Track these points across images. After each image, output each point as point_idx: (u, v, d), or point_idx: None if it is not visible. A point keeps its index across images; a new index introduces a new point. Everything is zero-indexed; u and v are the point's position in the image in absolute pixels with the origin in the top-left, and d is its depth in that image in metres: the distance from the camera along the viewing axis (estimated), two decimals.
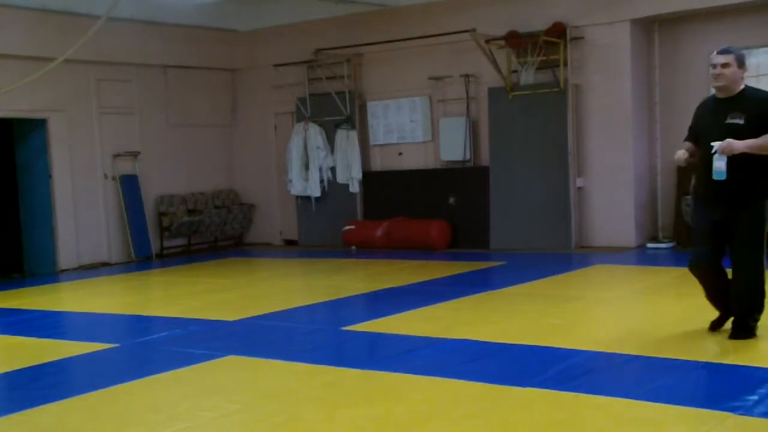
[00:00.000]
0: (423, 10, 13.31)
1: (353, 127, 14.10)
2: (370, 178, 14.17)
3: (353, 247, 13.78)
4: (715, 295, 6.31)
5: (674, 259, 10.66)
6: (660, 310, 7.68)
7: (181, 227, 14.28)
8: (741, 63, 6.06)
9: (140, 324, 8.58)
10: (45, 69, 11.49)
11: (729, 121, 5.96)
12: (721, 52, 6.09)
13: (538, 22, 12.23)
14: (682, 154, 6.27)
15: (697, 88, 11.03)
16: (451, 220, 13.31)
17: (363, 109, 14.22)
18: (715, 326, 6.37)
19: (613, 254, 11.58)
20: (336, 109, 14.10)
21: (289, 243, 15.23)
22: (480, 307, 8.29)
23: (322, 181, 14.30)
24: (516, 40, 12.34)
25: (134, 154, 13.90)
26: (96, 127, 13.50)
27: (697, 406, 4.77)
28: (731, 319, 6.27)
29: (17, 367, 6.71)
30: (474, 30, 12.25)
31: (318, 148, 14.19)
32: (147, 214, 14.00)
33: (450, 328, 7.22)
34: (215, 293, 10.10)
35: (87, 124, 13.38)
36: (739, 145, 5.83)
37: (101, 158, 13.53)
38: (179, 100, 14.63)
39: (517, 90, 12.53)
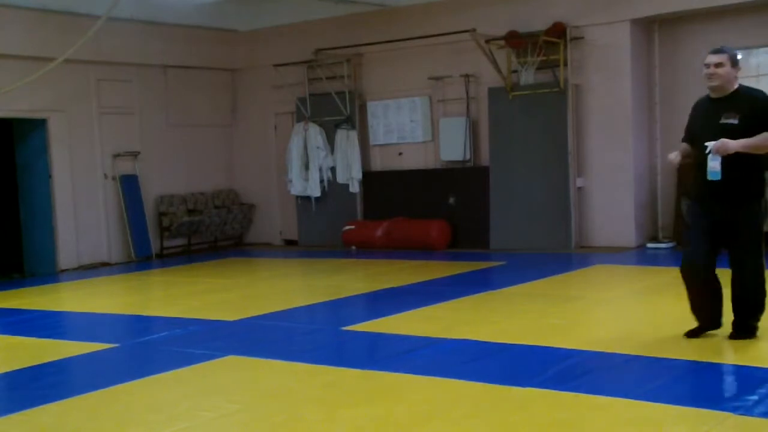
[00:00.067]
0: (423, 10, 13.31)
1: (353, 127, 14.10)
2: (370, 178, 14.17)
3: (353, 247, 13.78)
4: (702, 302, 6.17)
5: (674, 259, 10.64)
6: (660, 310, 7.68)
7: (181, 227, 14.28)
8: (734, 62, 6.03)
9: (140, 324, 8.58)
10: (45, 69, 11.49)
11: (723, 121, 5.94)
12: (714, 52, 6.06)
13: (538, 22, 12.23)
14: (674, 156, 6.28)
15: (697, 88, 10.91)
16: (451, 220, 13.31)
17: (363, 109, 14.22)
18: (692, 335, 6.25)
19: (613, 254, 11.58)
20: (336, 109, 14.10)
21: (289, 243, 15.23)
22: (480, 307, 8.29)
23: (322, 181, 14.30)
24: (516, 40, 12.34)
25: (134, 154, 13.90)
26: (96, 127, 13.50)
27: (697, 406, 4.77)
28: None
29: (17, 367, 6.71)
30: (474, 30, 12.25)
31: (318, 148, 14.19)
32: (147, 214, 14.00)
33: (450, 328, 7.22)
34: (215, 293, 10.10)
35: (87, 124, 13.38)
36: (734, 145, 5.80)
37: (101, 158, 13.53)
38: (179, 100, 14.63)
39: (517, 90, 12.53)
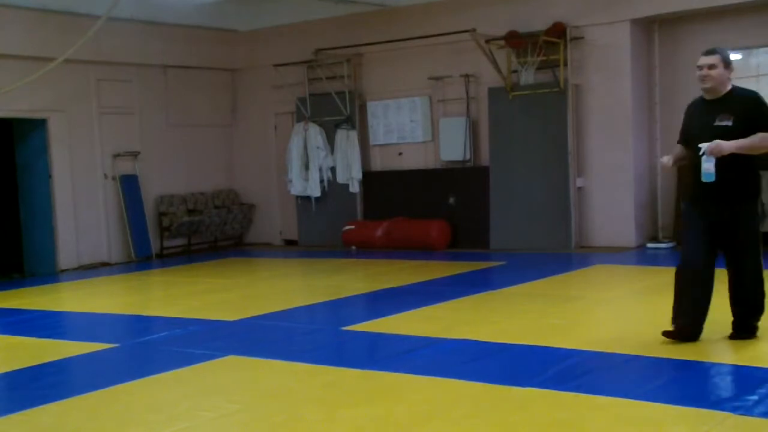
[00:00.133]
0: (423, 10, 13.31)
1: (353, 127, 14.10)
2: (370, 178, 14.17)
3: (353, 247, 13.78)
4: (690, 306, 6.04)
5: (674, 259, 10.57)
6: (660, 310, 7.63)
7: (181, 227, 14.28)
8: (727, 63, 6.00)
9: (140, 324, 8.58)
10: (45, 69, 11.49)
11: (718, 123, 5.91)
12: (707, 53, 6.03)
13: (538, 22, 12.23)
14: (666, 160, 6.28)
15: (696, 88, 10.93)
16: (451, 220, 13.31)
17: (363, 109, 14.22)
18: (669, 335, 6.12)
19: (613, 254, 11.58)
20: (336, 109, 14.10)
21: (289, 243, 15.23)
22: (480, 307, 8.29)
23: (322, 181, 14.30)
24: (516, 40, 12.34)
25: (134, 154, 13.90)
26: (96, 127, 13.50)
27: (697, 406, 4.77)
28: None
29: (17, 367, 6.71)
30: (474, 30, 12.25)
31: (318, 148, 14.19)
32: (147, 214, 14.00)
33: (450, 328, 7.22)
34: (215, 293, 10.10)
35: (87, 124, 13.38)
36: (728, 146, 5.78)
37: (101, 158, 13.54)
38: (179, 100, 14.63)
39: (517, 90, 12.53)
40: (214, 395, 5.59)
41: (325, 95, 14.22)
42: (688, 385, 5.32)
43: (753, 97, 6.04)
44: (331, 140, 14.23)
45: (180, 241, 14.58)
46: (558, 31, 12.11)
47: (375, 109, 14.08)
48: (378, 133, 14.10)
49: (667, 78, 12.24)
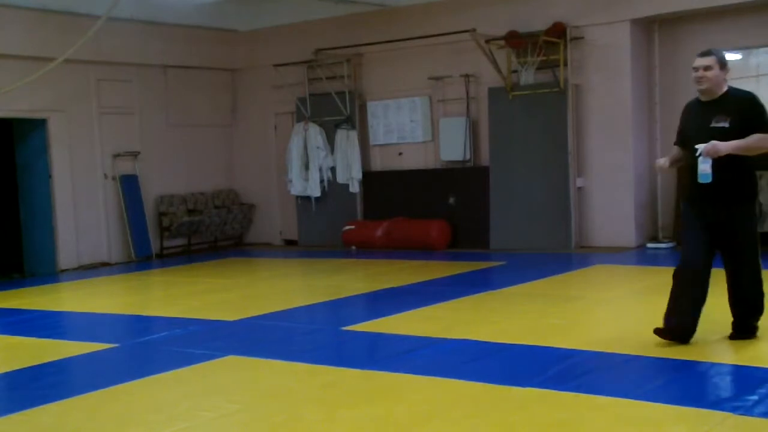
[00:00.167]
0: (423, 10, 13.31)
1: (353, 127, 14.10)
2: (370, 178, 14.17)
3: (353, 247, 13.78)
4: (686, 306, 6.00)
5: (674, 259, 10.57)
6: (660, 310, 7.59)
7: (181, 227, 14.28)
8: (723, 65, 5.97)
9: (140, 324, 8.58)
10: (45, 69, 11.49)
11: (714, 124, 5.89)
12: (702, 55, 6.01)
13: (538, 22, 12.23)
14: (662, 162, 6.28)
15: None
16: (451, 220, 13.31)
17: (363, 109, 14.23)
18: (662, 334, 6.08)
19: (613, 254, 11.58)
20: (336, 109, 14.10)
21: (289, 243, 15.23)
22: (480, 307, 8.29)
23: (322, 181, 14.30)
24: (516, 40, 12.34)
25: (134, 154, 13.90)
26: (96, 127, 13.50)
27: (697, 406, 4.77)
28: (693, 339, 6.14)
29: (17, 367, 6.71)
30: (474, 30, 12.25)
31: (318, 148, 14.19)
32: (147, 214, 14.00)
33: (450, 328, 7.22)
34: (215, 293, 10.10)
35: (87, 124, 13.38)
36: (724, 147, 5.76)
37: (101, 158, 13.54)
38: (179, 100, 14.63)
39: (517, 90, 12.53)
40: (214, 395, 5.59)
41: (325, 95, 14.22)
42: (688, 385, 5.32)
43: (749, 98, 6.03)
44: (331, 140, 14.23)
45: (180, 241, 14.58)
46: (558, 31, 12.11)
47: (375, 109, 14.08)
48: (378, 133, 14.10)
49: (667, 78, 12.24)
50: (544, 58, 12.23)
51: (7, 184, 13.48)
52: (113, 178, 13.67)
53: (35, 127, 12.90)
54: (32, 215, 13.16)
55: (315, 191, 14.33)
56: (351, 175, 14.08)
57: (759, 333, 6.19)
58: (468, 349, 6.46)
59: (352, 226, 13.89)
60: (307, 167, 14.31)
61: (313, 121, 14.32)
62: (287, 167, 14.53)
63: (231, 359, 6.54)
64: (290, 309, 8.77)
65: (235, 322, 8.14)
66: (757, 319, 6.18)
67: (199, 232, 14.61)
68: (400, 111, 13.83)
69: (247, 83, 15.45)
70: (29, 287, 11.57)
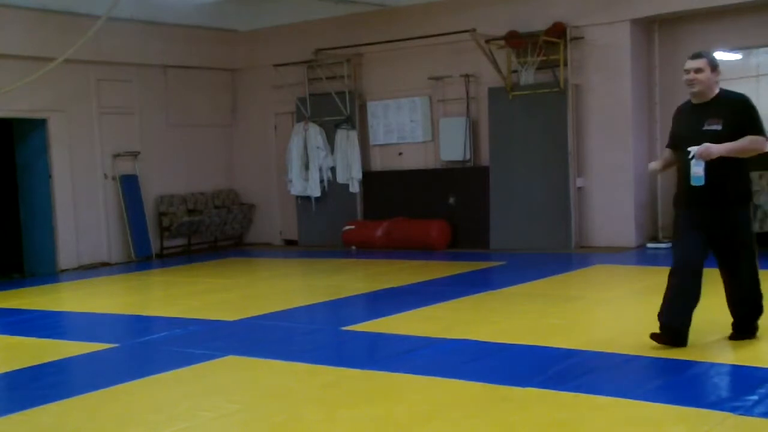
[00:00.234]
0: (423, 10, 13.31)
1: (353, 127, 14.10)
2: (370, 178, 14.17)
3: (353, 247, 13.78)
4: (682, 305, 5.94)
5: None
6: None
7: (181, 227, 14.28)
8: (714, 67, 5.95)
9: (140, 324, 8.58)
10: (45, 69, 11.49)
11: (706, 127, 5.87)
12: (693, 57, 5.99)
13: (538, 22, 12.23)
14: (654, 165, 6.27)
15: None
16: (451, 220, 13.31)
17: (363, 109, 14.23)
18: (655, 338, 6.03)
19: (613, 254, 11.58)
20: (336, 109, 14.10)
21: (289, 243, 15.23)
22: (480, 307, 8.29)
23: (322, 181, 14.30)
24: (516, 40, 12.34)
25: (134, 154, 13.90)
26: (96, 127, 13.50)
27: (697, 406, 4.77)
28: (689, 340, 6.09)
29: (17, 367, 6.71)
30: (474, 30, 12.25)
31: (318, 148, 14.19)
32: (147, 214, 14.00)
33: (450, 328, 7.22)
34: (215, 293, 10.10)
35: (87, 124, 13.38)
36: (717, 150, 5.73)
37: (101, 158, 13.54)
38: (179, 100, 14.63)
39: (517, 90, 12.53)
40: (214, 395, 5.59)
41: (325, 95, 14.22)
42: (688, 385, 5.31)
43: (741, 100, 6.01)
44: (331, 140, 14.23)
45: (180, 241, 14.58)
46: (558, 31, 12.11)
47: (375, 109, 14.09)
48: (378, 133, 14.10)
49: (667, 78, 12.24)
50: (544, 58, 12.23)
51: (7, 184, 13.48)
52: (113, 178, 13.67)
53: (35, 127, 12.90)
54: (32, 215, 13.16)
55: (315, 191, 14.33)
56: (351, 175, 14.08)
57: (759, 333, 6.19)
58: (468, 349, 6.46)
59: (352, 226, 13.89)
60: (307, 167, 14.31)
61: (313, 121, 14.32)
62: (287, 167, 14.53)
63: (231, 359, 6.54)
64: (290, 309, 8.77)
65: (235, 322, 8.14)
66: (757, 319, 6.17)
67: (199, 232, 14.61)
68: (400, 111, 13.83)
69: (247, 83, 15.45)
70: (29, 287, 11.57)
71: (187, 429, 4.90)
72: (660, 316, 6.04)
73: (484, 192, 12.90)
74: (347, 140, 14.09)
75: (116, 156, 13.69)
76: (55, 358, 6.97)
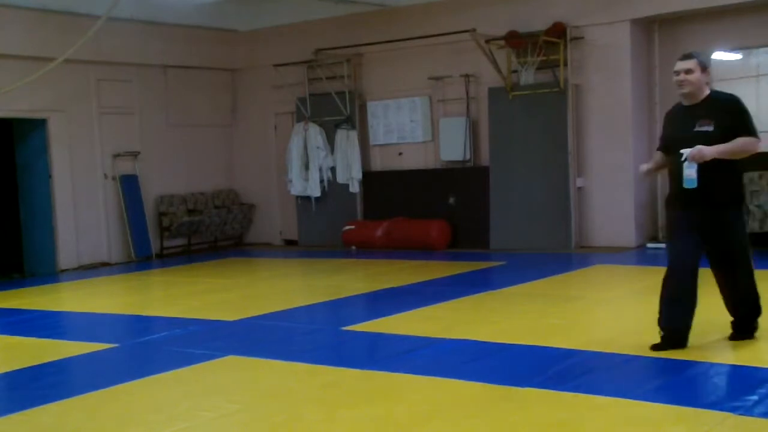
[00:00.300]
0: (423, 10, 13.31)
1: (353, 127, 14.10)
2: (370, 178, 14.17)
3: (353, 247, 13.78)
4: (682, 305, 5.92)
5: None
6: None
7: (181, 227, 14.28)
8: (704, 68, 5.95)
9: (140, 324, 8.58)
10: (45, 69, 11.49)
11: (698, 128, 5.85)
12: (684, 58, 6.00)
13: (538, 22, 12.23)
14: (645, 167, 6.27)
15: None
16: (451, 220, 13.31)
17: (363, 109, 14.23)
18: (657, 348, 5.98)
19: (613, 254, 11.58)
20: (336, 109, 14.11)
21: (289, 243, 15.23)
22: (480, 307, 8.29)
23: (322, 181, 14.30)
24: (516, 40, 12.34)
25: (134, 154, 13.90)
26: (96, 127, 13.50)
27: (697, 406, 4.77)
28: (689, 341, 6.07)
29: (17, 367, 6.71)
30: (474, 30, 12.25)
31: (318, 148, 14.19)
32: (147, 214, 14.00)
33: (450, 328, 7.22)
34: (215, 293, 10.10)
35: (87, 124, 13.38)
36: (710, 152, 5.71)
37: (101, 158, 13.54)
38: (179, 100, 14.63)
39: (517, 90, 12.53)
40: (214, 395, 5.59)
41: (325, 95, 14.22)
42: (688, 385, 5.32)
43: (732, 101, 5.99)
44: (331, 140, 14.23)
45: (180, 241, 14.58)
46: (558, 31, 12.11)
47: (375, 109, 14.09)
48: (378, 133, 14.10)
49: (667, 78, 12.16)
50: (544, 58, 12.23)
51: (7, 184, 13.48)
52: (113, 178, 13.68)
53: (35, 127, 12.90)
54: (32, 215, 13.16)
55: (315, 191, 14.33)
56: (351, 175, 14.08)
57: (759, 333, 6.19)
58: (468, 349, 6.46)
59: (352, 226, 13.90)
60: (307, 167, 14.31)
61: (313, 121, 14.32)
62: (287, 167, 14.53)
63: (231, 359, 6.54)
64: (290, 309, 8.77)
65: (235, 322, 8.14)
66: (756, 319, 6.17)
67: (199, 232, 14.61)
68: (400, 111, 13.83)
69: (247, 83, 15.45)
70: (29, 287, 11.57)
71: (187, 429, 4.90)
72: (660, 321, 6.02)
73: (484, 192, 12.90)
74: (347, 140, 14.09)
75: (116, 156, 13.69)
76: (55, 358, 6.97)
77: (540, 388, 5.26)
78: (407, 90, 13.70)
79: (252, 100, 15.43)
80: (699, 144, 5.76)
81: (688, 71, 5.91)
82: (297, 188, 14.45)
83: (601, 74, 12.17)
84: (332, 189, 14.34)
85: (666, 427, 4.52)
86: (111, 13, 11.13)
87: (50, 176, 12.92)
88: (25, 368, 6.67)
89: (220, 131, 15.50)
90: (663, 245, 11.87)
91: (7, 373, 6.54)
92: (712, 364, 5.66)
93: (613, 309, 8.09)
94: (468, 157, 13.17)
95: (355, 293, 9.75)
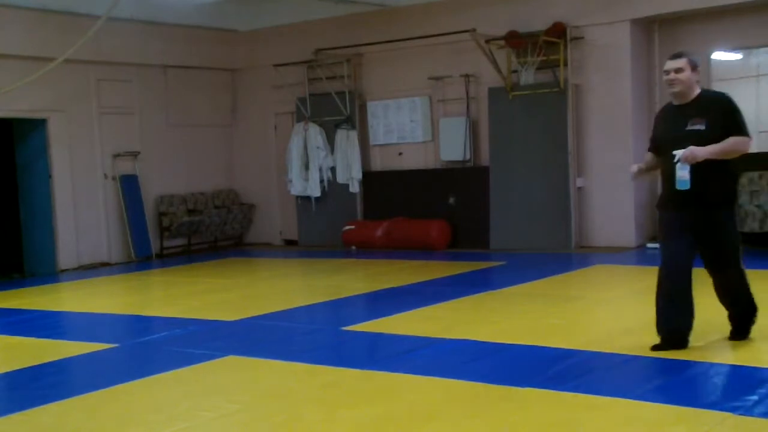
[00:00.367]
0: (423, 10, 13.31)
1: (353, 127, 14.10)
2: (370, 178, 14.17)
3: (353, 247, 13.78)
4: (679, 305, 5.92)
5: None
6: None
7: (181, 227, 14.28)
8: (694, 67, 5.92)
9: (140, 324, 8.58)
10: (45, 69, 11.49)
11: (690, 128, 5.84)
12: (674, 57, 5.96)
13: (538, 22, 12.24)
14: (635, 168, 6.27)
15: None
16: (451, 220, 13.31)
17: (363, 109, 14.23)
18: (657, 348, 5.98)
19: (613, 254, 11.58)
20: (336, 109, 14.11)
21: (289, 243, 15.23)
22: (480, 307, 8.29)
23: (322, 181, 14.30)
24: (516, 40, 12.34)
25: (134, 154, 13.90)
26: (96, 127, 13.50)
27: (697, 406, 4.77)
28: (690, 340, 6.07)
29: (17, 367, 6.71)
30: (474, 30, 12.25)
31: (318, 148, 14.19)
32: (147, 214, 14.00)
33: (450, 328, 7.22)
34: (215, 293, 10.10)
35: (87, 124, 13.38)
36: (702, 153, 5.70)
37: (101, 158, 13.54)
38: (179, 100, 14.63)
39: (517, 90, 12.53)
40: (214, 395, 5.59)
41: (325, 95, 14.23)
42: (687, 385, 5.32)
43: (724, 99, 5.98)
44: (331, 140, 14.24)
45: (180, 241, 14.58)
46: (558, 31, 12.11)
47: (375, 109, 14.09)
48: (378, 133, 14.10)
49: None
50: (544, 58, 12.23)
51: (7, 184, 13.48)
52: (113, 178, 13.68)
53: (35, 127, 12.91)
54: (32, 215, 13.16)
55: (315, 191, 14.33)
56: (351, 175, 14.08)
57: (759, 333, 6.18)
58: (468, 349, 6.46)
59: (352, 226, 13.90)
60: (307, 167, 14.32)
61: (313, 121, 14.32)
62: (287, 167, 14.53)
63: (231, 359, 6.54)
64: (290, 309, 8.77)
65: (235, 322, 8.14)
66: (753, 317, 6.16)
67: (199, 232, 14.61)
68: (400, 111, 13.83)
69: (247, 83, 15.45)
70: (29, 287, 11.57)
71: (187, 429, 4.91)
72: (658, 325, 6.01)
73: (484, 192, 12.90)
74: (347, 140, 14.09)
75: (116, 156, 13.69)
76: (55, 358, 6.97)
77: (540, 388, 5.26)
78: (407, 90, 13.70)
79: (252, 100, 15.43)
80: (691, 143, 5.75)
81: (679, 70, 5.89)
82: (297, 188, 14.45)
83: (601, 74, 12.17)
84: (332, 189, 14.34)
85: (666, 427, 4.52)
86: (111, 13, 11.14)
87: (50, 176, 12.92)
88: (25, 368, 6.67)
89: (220, 131, 15.50)
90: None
91: (7, 373, 6.54)
92: (712, 364, 5.66)
93: (613, 309, 8.09)
94: (468, 157, 13.17)
95: (355, 293, 9.75)
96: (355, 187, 14.14)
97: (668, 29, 12.21)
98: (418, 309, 8.22)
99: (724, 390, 5.26)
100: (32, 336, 8.02)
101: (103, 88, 13.56)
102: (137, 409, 5.39)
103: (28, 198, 13.21)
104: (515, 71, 12.61)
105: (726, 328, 6.26)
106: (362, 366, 6.11)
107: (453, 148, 13.23)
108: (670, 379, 5.45)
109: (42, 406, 5.46)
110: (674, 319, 5.97)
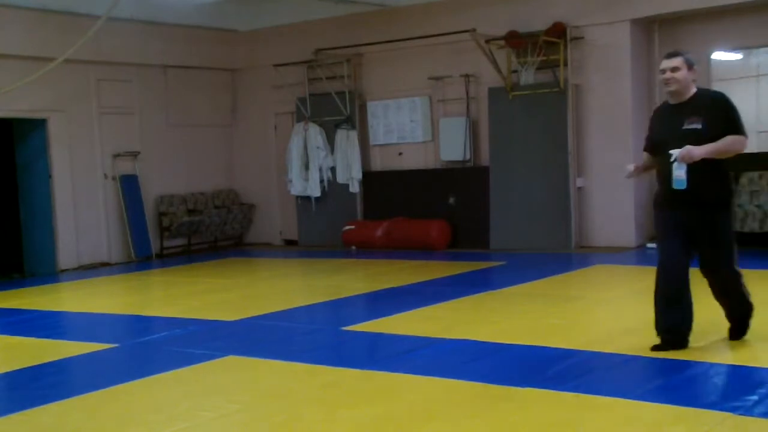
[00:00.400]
0: (423, 10, 13.31)
1: (353, 127, 14.10)
2: (370, 178, 14.17)
3: (353, 247, 13.78)
4: (681, 305, 5.92)
5: None
6: None
7: (181, 227, 14.28)
8: (690, 66, 5.91)
9: (140, 324, 8.58)
10: (45, 69, 11.49)
11: (687, 126, 5.83)
12: (670, 56, 5.95)
13: (538, 22, 12.24)
14: (631, 167, 6.27)
15: None
16: (451, 220, 13.31)
17: (363, 109, 14.23)
18: (657, 349, 5.98)
19: (613, 254, 11.58)
20: (336, 109, 14.11)
21: (289, 243, 15.23)
22: (480, 307, 8.29)
23: (322, 181, 14.30)
24: (516, 40, 12.34)
25: (134, 154, 13.90)
26: (96, 127, 13.50)
27: (697, 406, 4.77)
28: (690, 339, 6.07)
29: (17, 367, 6.71)
30: (474, 30, 12.25)
31: (318, 148, 14.19)
32: (147, 214, 14.00)
33: (450, 328, 7.22)
34: (215, 293, 10.10)
35: (87, 124, 13.38)
36: (699, 152, 5.69)
37: (101, 158, 13.54)
38: (179, 100, 14.63)
39: (517, 90, 12.53)
40: (214, 395, 5.59)
41: (325, 95, 14.23)
42: (687, 385, 5.32)
43: (720, 98, 5.97)
44: (331, 140, 14.24)
45: (180, 241, 14.58)
46: (558, 31, 12.11)
47: (375, 109, 14.09)
48: (378, 133, 14.10)
49: None
50: (544, 58, 12.23)
51: (7, 184, 13.48)
52: (113, 178, 13.68)
53: (35, 127, 12.91)
54: (32, 215, 13.16)
55: (315, 191, 14.33)
56: (351, 175, 14.08)
57: (758, 333, 6.18)
58: (468, 349, 6.46)
59: (352, 226, 13.90)
60: (307, 167, 14.32)
61: (313, 121, 14.32)
62: (287, 167, 14.53)
63: (231, 359, 6.54)
64: (290, 309, 8.78)
65: (235, 322, 8.14)
66: (750, 316, 6.16)
67: (199, 232, 14.61)
68: (400, 111, 13.83)
69: (247, 83, 15.45)
70: (29, 287, 11.57)
71: (187, 429, 4.91)
72: (657, 325, 6.00)
73: (484, 192, 12.90)
74: (347, 140, 14.10)
75: (116, 156, 13.69)
76: (55, 358, 6.98)
77: (540, 388, 5.26)
78: (407, 90, 13.70)
79: (252, 100, 15.43)
80: (688, 142, 5.74)
81: (675, 69, 5.89)
82: (297, 188, 14.45)
83: (601, 74, 12.17)
84: (332, 189, 14.34)
85: (665, 428, 4.52)
86: (111, 13, 11.14)
87: (50, 176, 12.92)
88: (25, 368, 6.68)
89: (220, 131, 15.50)
90: None
91: (7, 373, 6.54)
92: (712, 364, 5.66)
93: (613, 309, 8.09)
94: (468, 157, 13.17)
95: (355, 293, 9.75)
96: (355, 187, 14.14)
97: (668, 29, 12.21)
98: (418, 309, 8.23)
99: (723, 390, 5.26)
100: (32, 336, 8.02)
101: (103, 88, 13.56)
102: (137, 409, 5.39)
103: (28, 198, 13.22)
104: (515, 71, 12.61)
105: (725, 327, 6.25)
106: (362, 366, 6.11)
107: (453, 148, 13.23)
108: (670, 379, 5.45)
109: (42, 406, 5.47)
110: (673, 319, 5.97)
